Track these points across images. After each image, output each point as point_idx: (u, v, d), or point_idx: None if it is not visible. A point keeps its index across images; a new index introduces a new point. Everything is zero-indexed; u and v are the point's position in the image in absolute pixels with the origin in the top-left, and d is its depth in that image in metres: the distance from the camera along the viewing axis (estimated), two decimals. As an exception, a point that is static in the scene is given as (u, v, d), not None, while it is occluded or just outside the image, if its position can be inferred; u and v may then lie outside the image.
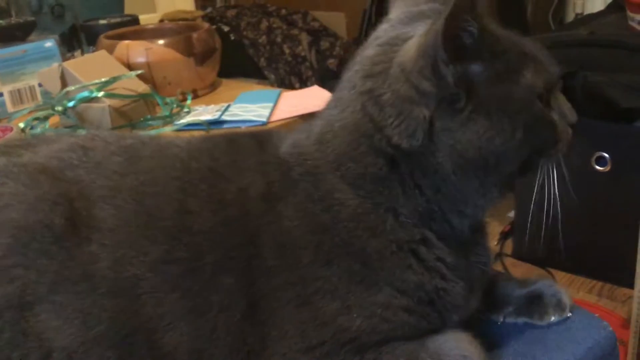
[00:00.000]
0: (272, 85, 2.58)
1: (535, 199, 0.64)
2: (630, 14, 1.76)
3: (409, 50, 0.60)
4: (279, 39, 2.74)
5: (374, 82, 0.62)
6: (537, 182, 0.65)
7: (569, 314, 0.75)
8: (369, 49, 0.65)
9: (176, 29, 1.62)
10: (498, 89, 0.60)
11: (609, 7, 2.08)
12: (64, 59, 1.52)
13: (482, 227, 0.71)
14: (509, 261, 1.88)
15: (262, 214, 0.62)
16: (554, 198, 0.65)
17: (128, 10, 2.26)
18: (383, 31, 0.66)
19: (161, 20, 2.46)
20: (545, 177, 0.65)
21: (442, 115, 0.59)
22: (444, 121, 0.59)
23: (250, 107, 1.34)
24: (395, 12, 0.69)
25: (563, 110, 0.65)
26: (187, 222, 0.62)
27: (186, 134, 1.22)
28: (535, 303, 0.74)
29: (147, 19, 2.31)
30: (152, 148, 0.69)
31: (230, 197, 0.64)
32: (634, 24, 1.75)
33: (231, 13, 2.82)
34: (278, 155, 0.66)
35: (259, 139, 0.69)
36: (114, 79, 1.26)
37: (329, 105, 0.67)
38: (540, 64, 0.62)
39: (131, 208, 0.62)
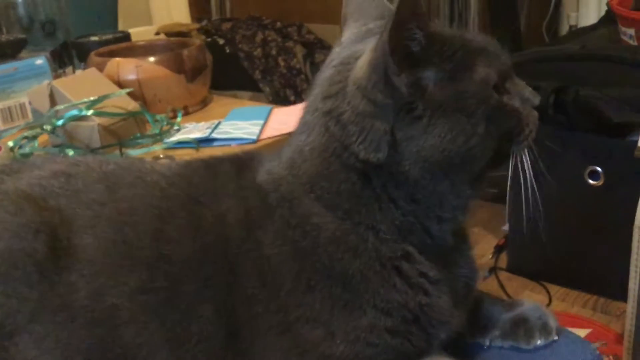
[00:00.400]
0: (267, 97, 2.58)
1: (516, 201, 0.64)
2: (621, 27, 1.76)
3: (362, 66, 0.60)
4: (274, 52, 2.73)
5: (333, 102, 0.62)
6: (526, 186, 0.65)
7: (555, 337, 0.74)
8: (326, 71, 0.65)
9: (167, 46, 1.62)
10: (453, 89, 0.59)
11: (601, 21, 2.08)
12: (55, 76, 1.53)
13: (464, 235, 0.70)
14: (504, 275, 1.87)
15: (242, 241, 0.62)
16: (535, 201, 0.64)
17: (123, 23, 2.26)
18: (336, 53, 0.66)
19: (157, 33, 2.47)
20: (529, 187, 0.64)
21: (403, 125, 0.59)
22: (406, 130, 0.59)
23: (241, 124, 1.34)
24: (347, 34, 0.69)
25: (524, 95, 0.64)
26: (165, 251, 0.62)
27: (176, 152, 1.23)
28: (521, 326, 0.74)
29: (144, 32, 2.32)
30: (132, 175, 0.69)
31: (208, 224, 0.63)
32: (626, 38, 1.75)
33: (226, 26, 2.81)
34: (255, 182, 0.66)
35: (238, 164, 0.69)
36: (104, 97, 1.26)
37: (297, 131, 0.67)
38: (491, 55, 0.62)
39: (110, 237, 0.62)
